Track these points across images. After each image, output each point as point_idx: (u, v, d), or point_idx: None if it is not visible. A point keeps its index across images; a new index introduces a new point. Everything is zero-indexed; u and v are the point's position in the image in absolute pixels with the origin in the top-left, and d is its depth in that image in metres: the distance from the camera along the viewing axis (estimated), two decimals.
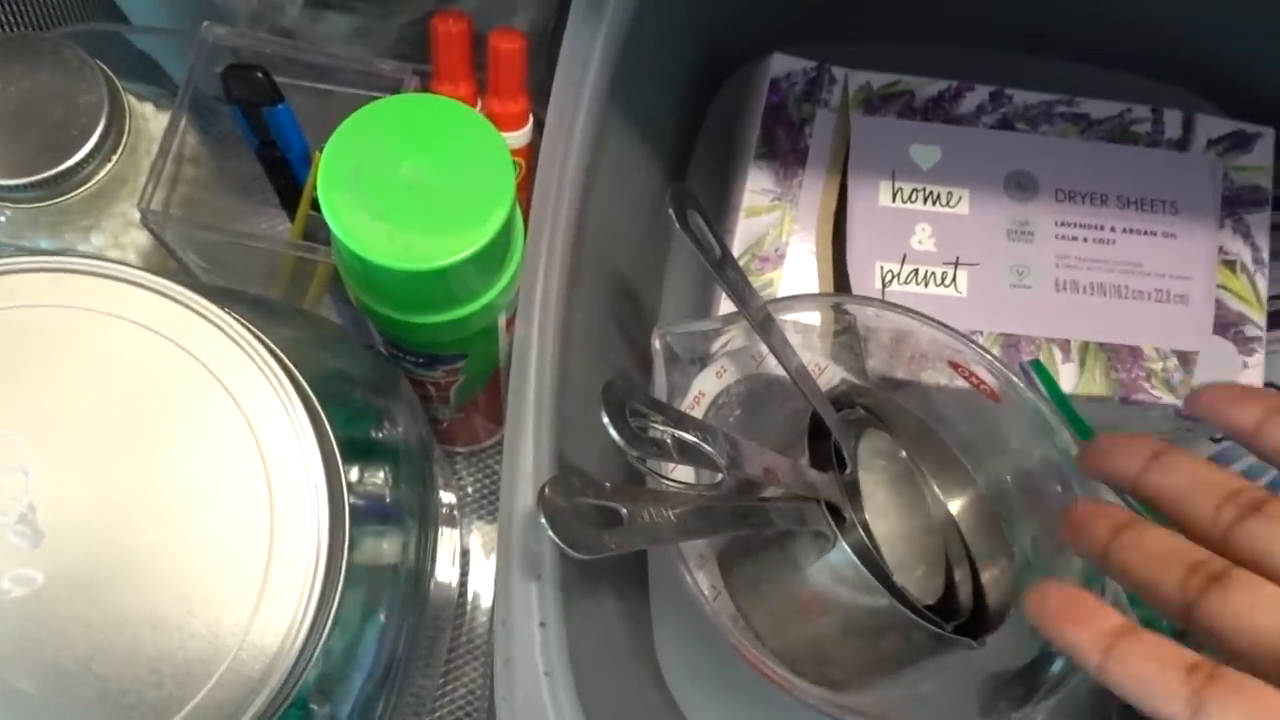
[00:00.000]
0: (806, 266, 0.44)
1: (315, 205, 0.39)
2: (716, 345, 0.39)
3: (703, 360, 0.39)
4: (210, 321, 0.27)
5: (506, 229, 0.28)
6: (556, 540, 0.27)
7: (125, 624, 0.25)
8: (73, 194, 0.34)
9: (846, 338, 0.42)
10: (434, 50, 0.38)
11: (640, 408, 0.29)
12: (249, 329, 0.28)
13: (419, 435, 0.34)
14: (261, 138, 0.39)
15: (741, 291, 0.37)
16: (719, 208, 0.47)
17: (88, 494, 0.25)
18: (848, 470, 0.38)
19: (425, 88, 0.39)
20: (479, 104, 0.40)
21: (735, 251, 0.44)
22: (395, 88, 0.37)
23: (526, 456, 0.32)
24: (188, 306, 0.27)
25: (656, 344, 0.37)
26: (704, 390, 0.39)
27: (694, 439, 0.30)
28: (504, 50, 0.37)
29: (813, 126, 0.45)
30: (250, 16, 0.42)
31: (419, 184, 0.27)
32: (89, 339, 0.27)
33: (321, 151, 0.27)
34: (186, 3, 0.45)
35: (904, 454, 0.41)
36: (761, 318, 0.37)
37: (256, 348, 0.27)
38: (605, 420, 0.28)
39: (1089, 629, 0.24)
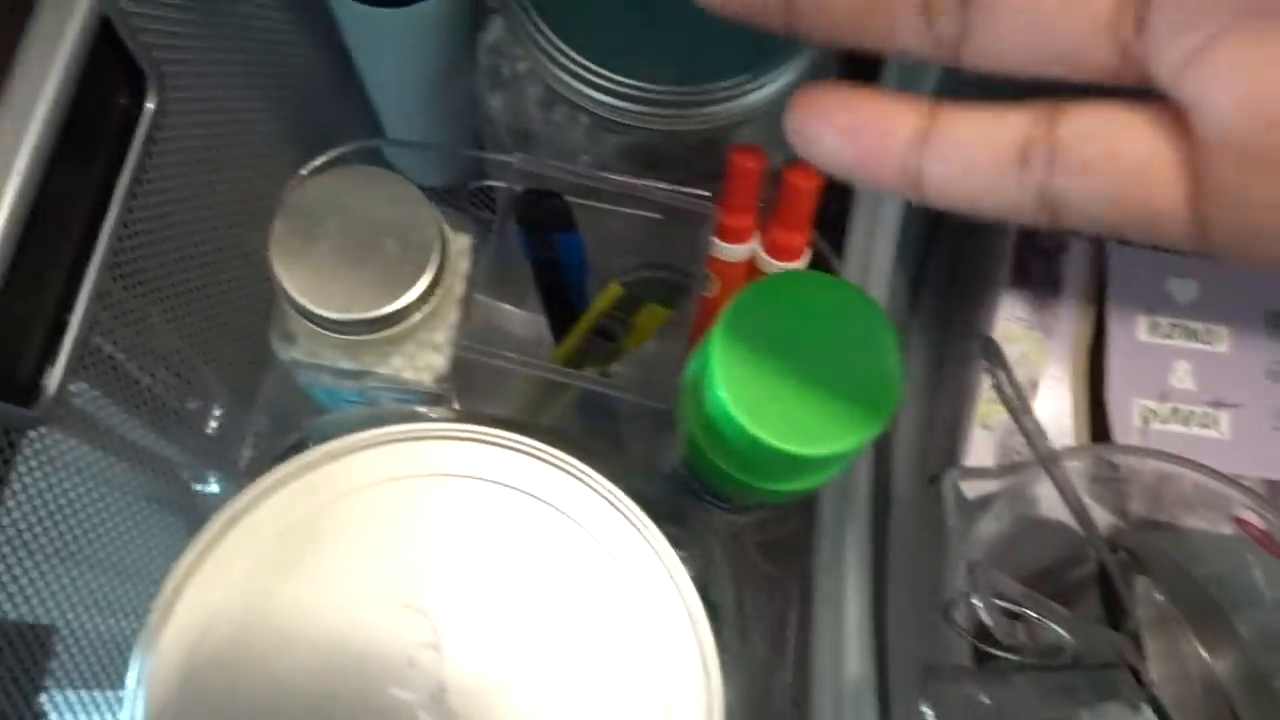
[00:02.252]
0: (1060, 399, 0.43)
1: (598, 331, 0.39)
2: (995, 487, 0.39)
3: (983, 503, 0.38)
4: (581, 480, 0.27)
5: None
6: None
7: None
8: (393, 329, 0.34)
9: (1109, 480, 0.41)
10: (728, 182, 0.38)
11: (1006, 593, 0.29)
12: (612, 487, 0.28)
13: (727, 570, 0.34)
14: (543, 258, 0.39)
15: (1038, 441, 0.36)
16: (960, 329, 0.46)
17: (492, 674, 0.25)
18: (1129, 624, 0.37)
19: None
20: (758, 233, 0.40)
21: (985, 379, 0.43)
22: (698, 217, 0.38)
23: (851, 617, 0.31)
24: (557, 466, 0.27)
25: (947, 486, 0.37)
26: (982, 536, 0.38)
27: (1047, 621, 0.30)
28: (802, 188, 0.37)
29: (1068, 255, 0.44)
30: (521, 133, 0.42)
31: (813, 366, 0.27)
32: (464, 504, 0.27)
33: (716, 324, 0.27)
34: (447, 117, 0.45)
35: (1161, 599, 0.41)
36: (1053, 464, 0.37)
37: (630, 508, 0.27)
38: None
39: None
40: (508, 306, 0.51)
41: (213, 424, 0.47)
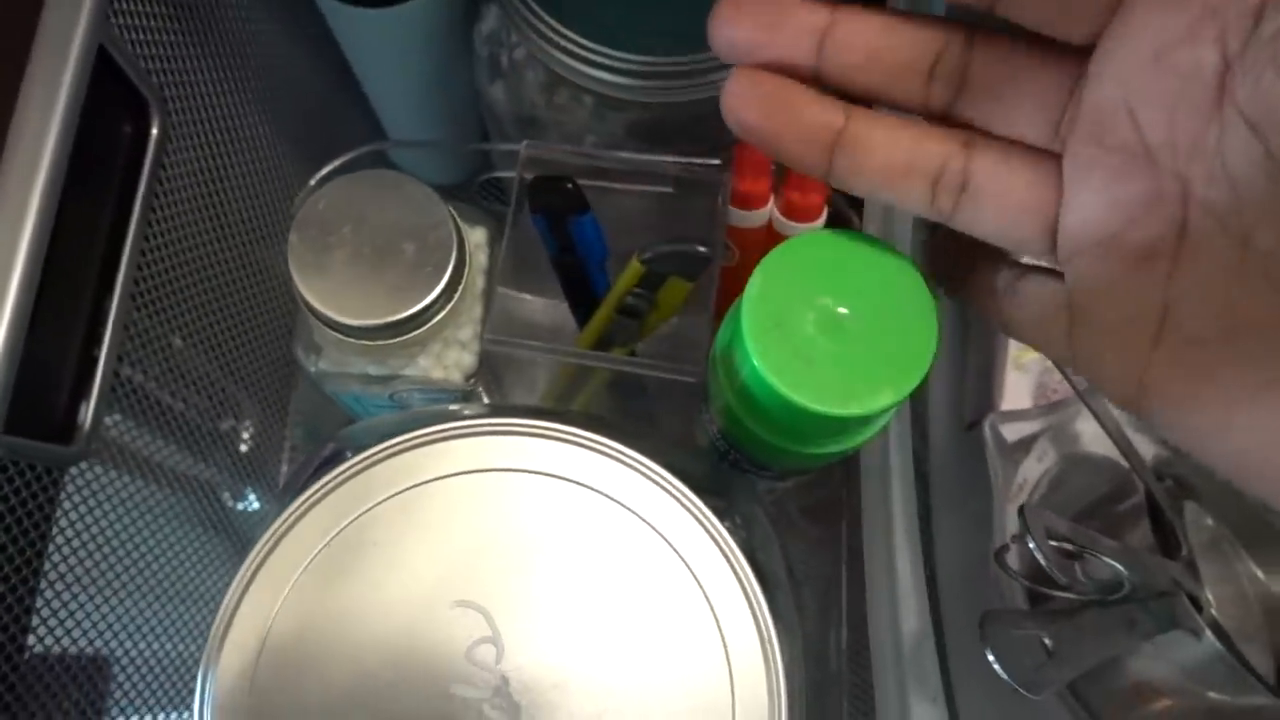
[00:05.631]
0: None
1: (623, 311, 0.39)
2: (1037, 428, 0.38)
3: (1025, 445, 0.38)
4: (623, 462, 0.27)
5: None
6: (1012, 681, 0.26)
7: None
8: (419, 330, 0.34)
9: None
10: (740, 148, 0.37)
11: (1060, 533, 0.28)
12: (658, 468, 0.28)
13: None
14: (561, 244, 0.39)
15: (1075, 377, 0.36)
16: None
17: (552, 663, 0.25)
18: (1182, 551, 0.37)
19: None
20: (773, 197, 0.39)
21: None
22: (711, 187, 0.37)
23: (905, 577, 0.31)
24: (599, 451, 0.27)
25: (988, 431, 0.37)
26: (1027, 477, 0.38)
27: (1104, 557, 0.29)
28: None
29: None
30: (525, 121, 0.42)
31: (844, 325, 0.26)
32: (528, 500, 0.27)
33: (744, 290, 0.27)
34: (449, 113, 0.45)
35: (1212, 523, 0.40)
36: (1092, 398, 0.36)
37: (676, 486, 0.27)
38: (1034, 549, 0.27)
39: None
40: (527, 296, 0.51)
41: (245, 442, 0.47)
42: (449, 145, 0.45)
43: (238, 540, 0.45)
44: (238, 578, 0.25)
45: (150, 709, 0.38)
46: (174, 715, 0.40)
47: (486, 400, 0.41)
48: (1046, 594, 0.35)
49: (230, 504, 0.46)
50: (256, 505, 0.48)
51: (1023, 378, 0.43)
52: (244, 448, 0.46)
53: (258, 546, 0.25)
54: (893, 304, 0.27)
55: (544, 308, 0.52)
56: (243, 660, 0.25)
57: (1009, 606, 0.36)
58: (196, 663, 0.42)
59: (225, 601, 0.25)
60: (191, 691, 0.39)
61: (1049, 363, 0.43)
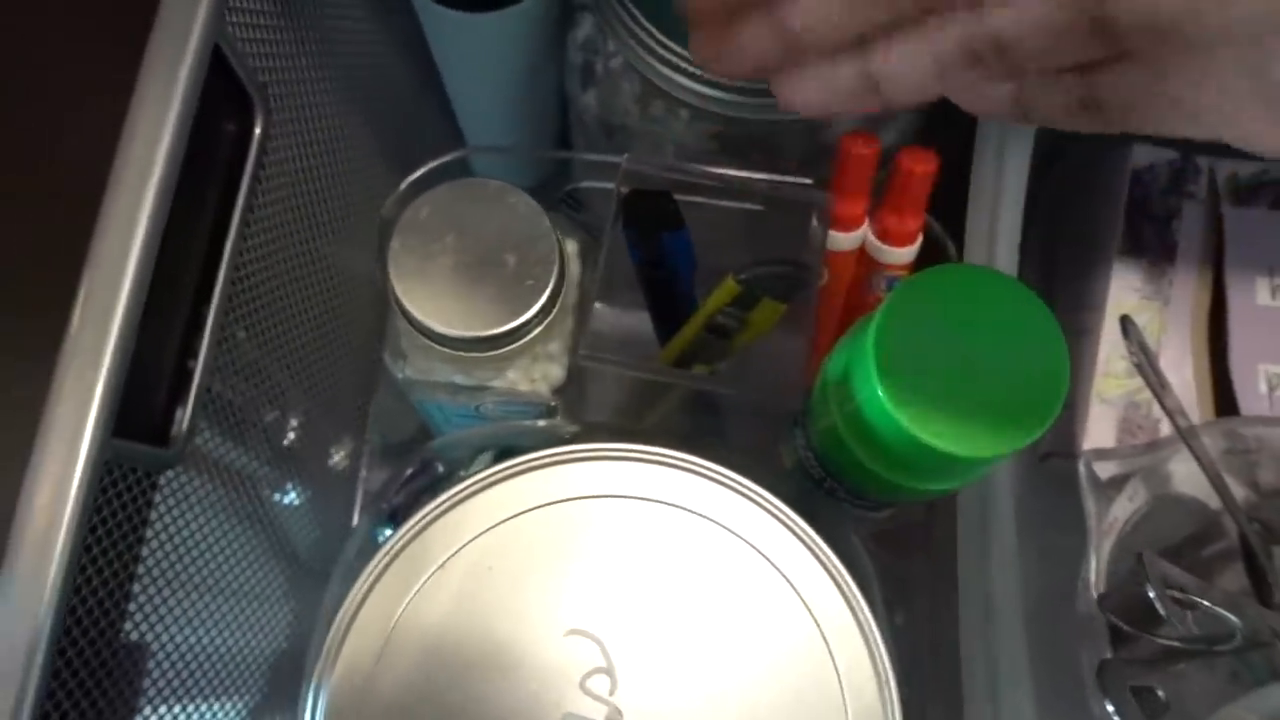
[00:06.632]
0: (1181, 369, 0.42)
1: (711, 328, 0.38)
2: (1129, 467, 0.38)
3: (1117, 483, 0.37)
4: (738, 491, 0.27)
5: None
6: None
7: None
8: (514, 345, 0.33)
9: (1240, 452, 0.40)
10: (840, 168, 0.37)
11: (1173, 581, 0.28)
12: (773, 498, 0.27)
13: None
14: (649, 258, 0.39)
15: (1179, 418, 0.35)
16: (1068, 301, 0.45)
17: (666, 695, 0.25)
18: (1275, 599, 0.36)
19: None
20: (868, 220, 0.38)
21: (1101, 352, 0.42)
22: (801, 206, 0.37)
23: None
24: (733, 489, 0.27)
25: (1082, 469, 0.36)
26: (1117, 516, 0.37)
27: (1219, 608, 0.29)
28: (917, 172, 0.35)
29: (1180, 221, 0.43)
30: (613, 129, 0.41)
31: (974, 362, 0.26)
32: (621, 525, 0.26)
33: (871, 319, 0.26)
34: (533, 118, 0.44)
35: None
36: (1194, 440, 0.36)
37: (791, 518, 0.27)
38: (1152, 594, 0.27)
39: None
40: (597, 305, 0.50)
41: (290, 435, 0.46)
42: (537, 153, 0.45)
43: (275, 532, 0.45)
44: (351, 594, 0.25)
45: (181, 700, 0.37)
46: (216, 704, 0.39)
47: (559, 415, 0.40)
48: (1133, 637, 0.35)
49: (271, 496, 0.46)
50: (296, 499, 0.47)
51: (1107, 410, 0.42)
52: (288, 441, 0.45)
53: (372, 564, 0.25)
54: (1023, 342, 0.26)
55: (615, 318, 0.52)
56: (355, 677, 0.24)
57: (1097, 649, 0.35)
58: (257, 658, 0.41)
59: (339, 618, 0.25)
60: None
61: (1135, 395, 0.42)
